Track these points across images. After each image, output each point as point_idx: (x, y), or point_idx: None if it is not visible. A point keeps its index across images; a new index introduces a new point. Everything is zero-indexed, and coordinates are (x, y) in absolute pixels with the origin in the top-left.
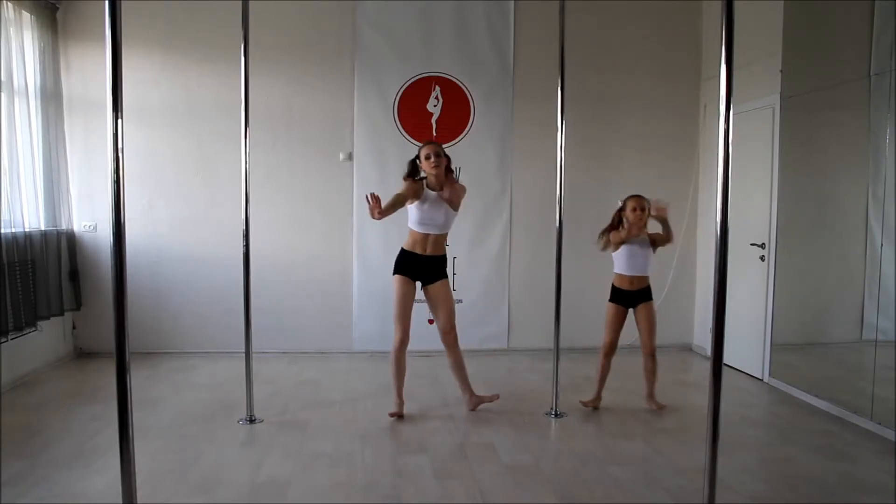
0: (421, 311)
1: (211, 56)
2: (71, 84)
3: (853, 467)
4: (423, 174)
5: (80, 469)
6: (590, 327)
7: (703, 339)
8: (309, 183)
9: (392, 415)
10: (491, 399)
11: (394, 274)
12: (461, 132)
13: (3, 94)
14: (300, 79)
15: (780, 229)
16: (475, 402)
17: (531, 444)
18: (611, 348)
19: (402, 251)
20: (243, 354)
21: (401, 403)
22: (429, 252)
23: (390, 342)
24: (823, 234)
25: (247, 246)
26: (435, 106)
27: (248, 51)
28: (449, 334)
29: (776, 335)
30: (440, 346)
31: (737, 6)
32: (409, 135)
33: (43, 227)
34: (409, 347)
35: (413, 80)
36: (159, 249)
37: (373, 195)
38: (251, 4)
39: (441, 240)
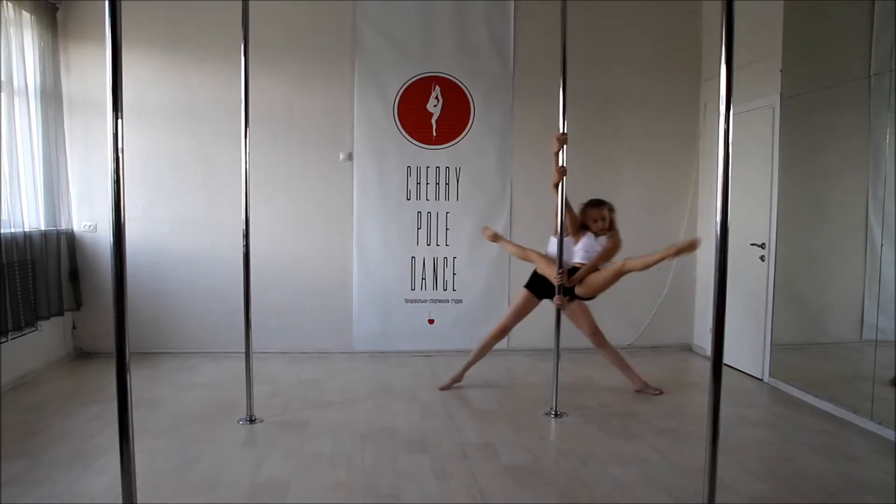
0: (422, 310)
1: (211, 56)
2: (71, 84)
3: (853, 467)
4: None
5: (80, 469)
6: None
7: (703, 339)
8: (309, 183)
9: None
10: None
11: None
12: (461, 132)
13: (3, 94)
14: (300, 79)
15: (780, 229)
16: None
17: (531, 444)
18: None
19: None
20: (243, 354)
21: None
22: None
23: (390, 342)
24: (823, 234)
25: (247, 246)
26: (435, 106)
27: (248, 51)
28: None
29: (776, 335)
30: (439, 346)
31: (737, 6)
32: (409, 135)
33: (43, 228)
34: (410, 347)
35: (413, 80)
36: (159, 249)
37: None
38: (251, 4)
39: None
